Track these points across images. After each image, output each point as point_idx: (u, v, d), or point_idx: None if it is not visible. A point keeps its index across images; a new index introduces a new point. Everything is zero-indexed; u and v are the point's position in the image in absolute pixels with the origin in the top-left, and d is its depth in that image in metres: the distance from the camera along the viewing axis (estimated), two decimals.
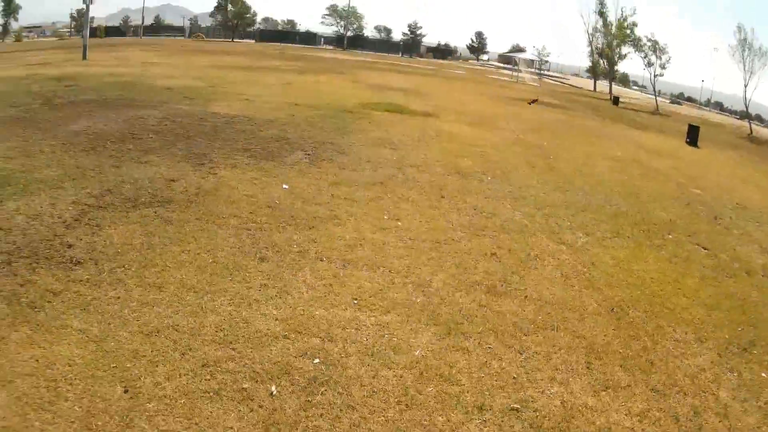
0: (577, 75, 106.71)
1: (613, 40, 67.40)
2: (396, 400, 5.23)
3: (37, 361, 5.19)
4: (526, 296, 7.50)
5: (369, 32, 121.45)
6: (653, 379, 6.13)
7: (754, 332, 7.57)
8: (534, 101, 33.15)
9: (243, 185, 10.51)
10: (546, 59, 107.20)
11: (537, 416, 5.26)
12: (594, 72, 79.37)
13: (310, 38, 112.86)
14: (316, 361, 5.60)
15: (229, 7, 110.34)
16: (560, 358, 6.22)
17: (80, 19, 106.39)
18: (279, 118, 17.20)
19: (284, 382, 5.26)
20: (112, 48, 51.44)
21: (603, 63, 72.38)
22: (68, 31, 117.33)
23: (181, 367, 5.32)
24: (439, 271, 7.86)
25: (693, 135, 29.14)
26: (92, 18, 42.51)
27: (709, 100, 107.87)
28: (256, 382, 5.22)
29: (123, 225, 8.27)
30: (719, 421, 5.64)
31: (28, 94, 19.20)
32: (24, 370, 5.04)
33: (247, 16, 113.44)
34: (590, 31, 73.34)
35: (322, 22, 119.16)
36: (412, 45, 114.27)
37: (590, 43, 74.26)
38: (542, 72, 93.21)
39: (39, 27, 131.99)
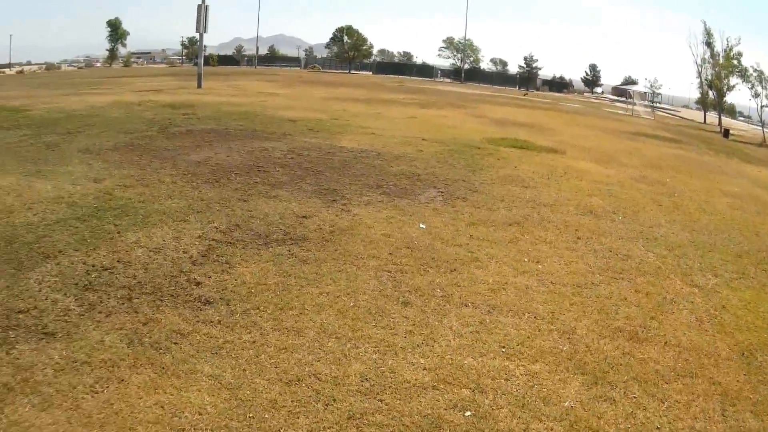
0: (686, 107, 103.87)
1: (721, 71, 65.71)
2: None
3: (163, 407, 5.15)
4: (665, 342, 7.31)
5: (485, 65, 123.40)
6: None
7: None
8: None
9: (379, 224, 10.49)
10: (658, 91, 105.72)
11: None
12: (703, 104, 78.93)
13: (427, 71, 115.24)
14: (468, 413, 5.45)
15: (345, 38, 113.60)
16: (698, 406, 6.02)
17: (191, 46, 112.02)
18: (407, 153, 17.30)
19: None
20: (226, 77, 53.45)
21: (712, 94, 70.87)
22: (179, 59, 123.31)
23: (325, 419, 5.18)
24: (583, 317, 7.70)
25: None
26: (205, 47, 44.18)
27: None
28: None
29: (255, 263, 8.31)
30: None
31: (143, 121, 20.00)
32: (147, 417, 5.01)
33: (364, 48, 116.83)
34: (699, 62, 72.07)
35: (438, 55, 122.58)
36: (528, 78, 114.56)
37: (699, 74, 73.05)
38: (654, 104, 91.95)
39: (148, 53, 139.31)
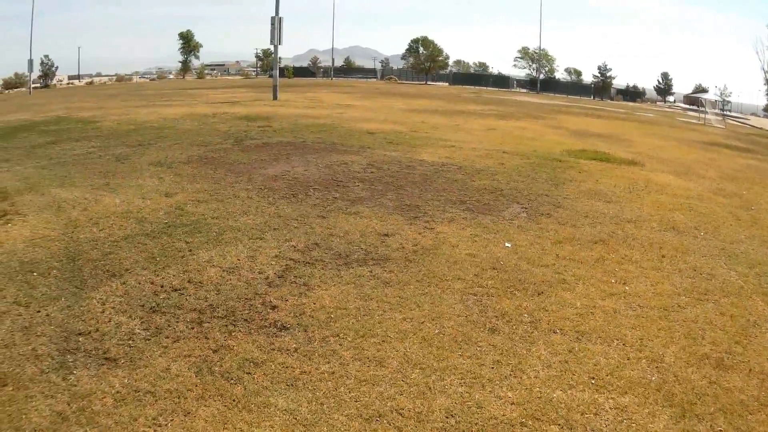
0: (755, 114, 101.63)
1: None
2: None
3: None
4: (750, 369, 6.98)
5: (560, 74, 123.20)
6: None
7: None
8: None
9: (464, 243, 10.17)
10: (728, 99, 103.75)
11: None
12: None
13: (502, 81, 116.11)
14: None
15: (421, 49, 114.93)
16: None
17: (266, 58, 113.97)
18: (489, 167, 17.10)
19: None
20: (302, 89, 54.19)
21: None
22: (254, 70, 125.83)
23: None
24: (671, 343, 7.40)
25: None
26: (280, 58, 44.73)
27: None
28: None
29: (335, 285, 8.05)
30: None
31: (217, 133, 20.11)
32: None
33: (439, 58, 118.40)
34: (766, 68, 70.76)
35: (514, 65, 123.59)
36: (602, 87, 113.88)
37: (766, 80, 71.61)
38: (725, 113, 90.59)
39: (222, 65, 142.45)
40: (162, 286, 7.70)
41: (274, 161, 15.50)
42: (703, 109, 75.38)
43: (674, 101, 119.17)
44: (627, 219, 12.73)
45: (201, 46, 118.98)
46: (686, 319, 8.11)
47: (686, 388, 6.37)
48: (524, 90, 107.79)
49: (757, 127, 72.17)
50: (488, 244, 10.17)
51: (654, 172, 19.19)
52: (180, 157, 15.85)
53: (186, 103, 34.98)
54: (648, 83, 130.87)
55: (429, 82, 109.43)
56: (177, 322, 6.83)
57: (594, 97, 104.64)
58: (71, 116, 28.31)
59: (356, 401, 5.55)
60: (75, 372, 5.73)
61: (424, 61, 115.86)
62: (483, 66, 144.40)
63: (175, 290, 7.62)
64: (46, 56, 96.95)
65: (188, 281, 7.90)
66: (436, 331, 7.00)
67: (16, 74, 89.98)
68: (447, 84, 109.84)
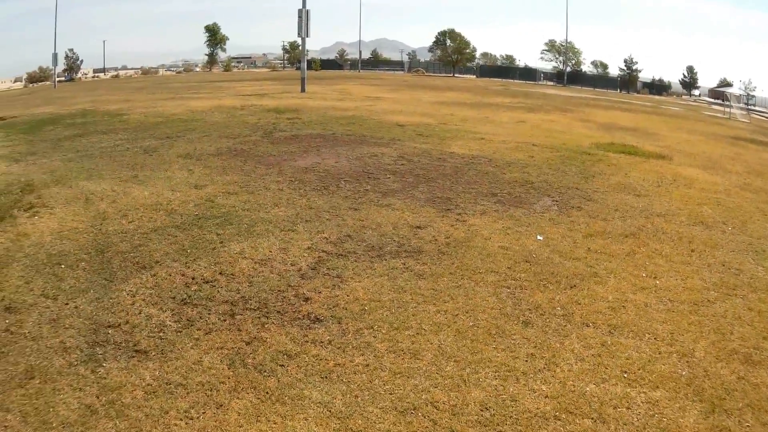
0: None
1: None
2: None
3: None
4: None
5: (586, 67, 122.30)
6: None
7: None
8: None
9: (496, 235, 10.15)
10: (752, 93, 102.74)
11: None
12: None
13: (530, 74, 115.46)
14: None
15: (448, 42, 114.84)
16: None
17: (293, 51, 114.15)
18: (519, 160, 17.09)
19: None
20: (330, 81, 54.28)
21: None
22: (281, 63, 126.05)
23: None
24: (701, 338, 7.40)
25: None
26: (307, 51, 44.81)
27: None
28: None
29: (368, 277, 8.04)
30: None
31: (246, 125, 20.13)
32: None
33: (467, 51, 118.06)
34: None
35: (541, 58, 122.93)
36: (628, 81, 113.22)
37: None
38: (750, 107, 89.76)
39: (249, 57, 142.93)
40: (193, 278, 7.73)
41: (304, 153, 15.55)
42: (728, 103, 74.87)
43: (699, 95, 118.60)
44: (656, 213, 12.74)
45: (227, 38, 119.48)
46: (715, 314, 8.13)
47: (716, 383, 6.39)
48: (551, 82, 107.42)
49: None
50: (520, 237, 10.17)
51: (682, 166, 19.15)
52: (209, 149, 15.92)
53: (214, 96, 35.12)
54: (673, 77, 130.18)
55: (456, 75, 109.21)
56: (209, 314, 6.85)
57: (620, 90, 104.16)
58: (97, 109, 28.53)
59: (391, 394, 5.55)
60: (104, 364, 5.77)
61: (451, 54, 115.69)
62: (510, 59, 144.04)
63: (207, 282, 7.64)
64: (71, 50, 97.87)
65: (220, 273, 7.91)
66: (470, 324, 7.00)
67: (40, 68, 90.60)
68: (474, 77, 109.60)
